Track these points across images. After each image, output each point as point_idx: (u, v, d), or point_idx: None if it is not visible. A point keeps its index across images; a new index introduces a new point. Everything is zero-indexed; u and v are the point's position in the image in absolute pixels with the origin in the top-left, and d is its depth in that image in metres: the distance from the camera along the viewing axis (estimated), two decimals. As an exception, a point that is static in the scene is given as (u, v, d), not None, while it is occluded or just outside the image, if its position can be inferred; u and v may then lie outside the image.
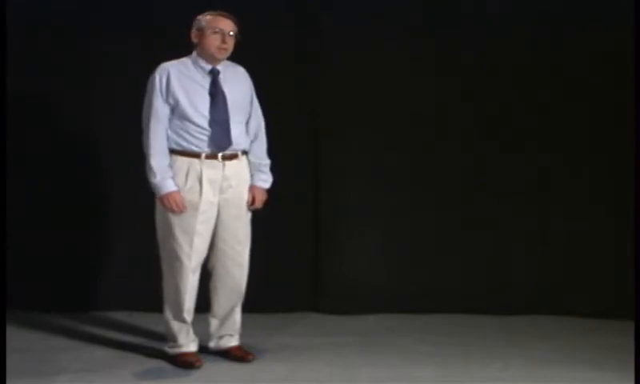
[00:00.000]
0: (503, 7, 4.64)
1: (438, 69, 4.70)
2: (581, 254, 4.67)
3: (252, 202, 3.91)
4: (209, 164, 3.75)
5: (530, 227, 4.72)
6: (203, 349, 3.94)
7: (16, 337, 4.13)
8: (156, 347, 4.03)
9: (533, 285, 4.71)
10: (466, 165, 4.72)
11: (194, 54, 3.80)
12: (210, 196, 3.77)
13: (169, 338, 3.91)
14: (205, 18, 3.76)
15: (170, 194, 3.71)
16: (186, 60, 3.81)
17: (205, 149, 3.75)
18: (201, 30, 3.76)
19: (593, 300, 4.63)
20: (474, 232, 4.74)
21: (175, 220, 3.75)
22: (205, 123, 3.74)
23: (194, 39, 3.78)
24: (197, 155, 3.74)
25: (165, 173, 3.72)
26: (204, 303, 3.93)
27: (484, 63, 4.67)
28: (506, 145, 4.70)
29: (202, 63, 3.79)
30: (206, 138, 3.74)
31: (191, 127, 3.73)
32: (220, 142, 3.75)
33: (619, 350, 4.02)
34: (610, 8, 4.52)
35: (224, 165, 3.78)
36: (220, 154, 3.77)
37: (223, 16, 3.76)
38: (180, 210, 3.72)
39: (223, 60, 3.81)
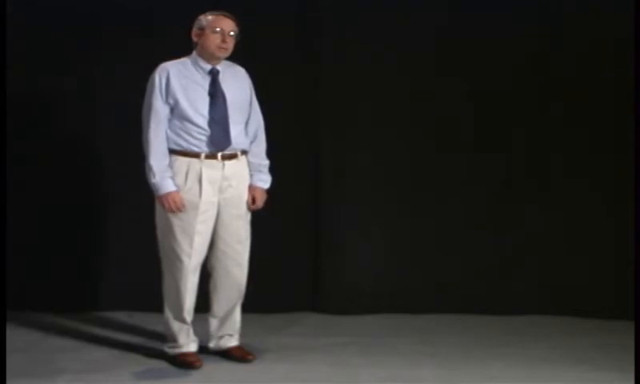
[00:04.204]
0: (503, 7, 4.64)
1: (438, 69, 4.70)
2: (581, 254, 4.67)
3: (253, 202, 3.91)
4: (208, 164, 3.75)
5: (530, 227, 4.71)
6: (203, 349, 3.94)
7: (16, 337, 4.13)
8: (156, 347, 4.03)
9: (533, 285, 4.71)
10: (465, 165, 4.71)
11: (194, 53, 3.81)
12: (209, 196, 3.77)
13: (168, 338, 3.91)
14: (206, 18, 3.77)
15: (169, 193, 3.71)
16: (185, 60, 3.81)
17: (204, 149, 3.75)
18: (201, 30, 3.76)
19: (593, 300, 4.63)
20: (473, 232, 4.73)
21: (175, 220, 3.75)
22: (204, 123, 3.74)
23: (195, 38, 3.79)
24: (196, 155, 3.75)
25: (164, 173, 3.72)
26: (204, 303, 3.94)
27: (484, 63, 4.67)
28: (506, 145, 4.70)
29: (202, 63, 3.79)
30: (205, 138, 3.74)
31: (191, 127, 3.73)
32: (219, 142, 3.75)
33: (619, 349, 4.03)
34: (610, 8, 4.52)
35: (223, 165, 3.78)
36: (219, 154, 3.77)
37: (224, 16, 3.76)
38: (179, 209, 3.72)
39: (223, 60, 3.81)
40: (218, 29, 3.73)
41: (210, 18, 3.77)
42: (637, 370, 3.34)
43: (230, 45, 3.77)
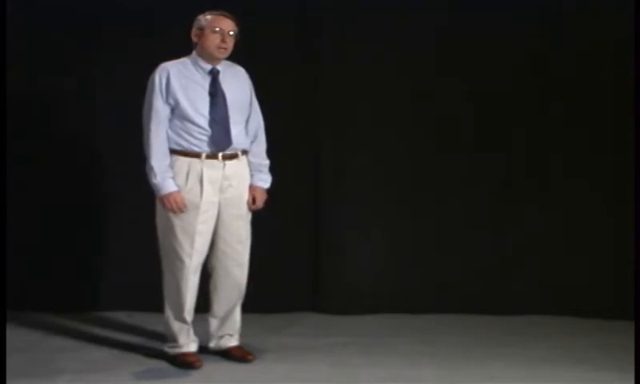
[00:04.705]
0: (503, 7, 4.64)
1: (438, 69, 4.70)
2: (581, 254, 4.67)
3: (253, 202, 3.92)
4: (209, 164, 3.75)
5: (530, 227, 4.71)
6: (203, 349, 3.95)
7: (16, 337, 4.13)
8: (156, 347, 4.03)
9: (533, 285, 4.71)
10: (465, 165, 4.71)
11: (194, 53, 3.81)
12: (210, 196, 3.77)
13: (169, 338, 3.91)
14: (205, 18, 3.77)
15: (170, 194, 3.71)
16: (185, 60, 3.81)
17: (205, 149, 3.75)
18: (201, 30, 3.76)
19: (593, 300, 4.63)
20: (474, 232, 4.73)
21: (176, 220, 3.75)
22: (205, 123, 3.74)
23: (194, 38, 3.79)
24: (197, 155, 3.74)
25: (165, 173, 3.71)
26: (204, 303, 3.94)
27: (484, 63, 4.67)
28: (506, 145, 4.70)
29: (202, 63, 3.79)
30: (206, 138, 3.74)
31: (191, 127, 3.73)
32: (220, 142, 3.75)
33: (619, 349, 4.03)
34: (610, 8, 4.52)
35: (224, 165, 3.78)
36: (220, 154, 3.77)
37: (223, 16, 3.76)
38: (180, 210, 3.72)
39: (223, 60, 3.81)
40: (217, 29, 3.73)
41: (209, 17, 3.76)
42: (637, 369, 3.34)
43: (230, 45, 3.77)
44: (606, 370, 3.80)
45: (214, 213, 3.80)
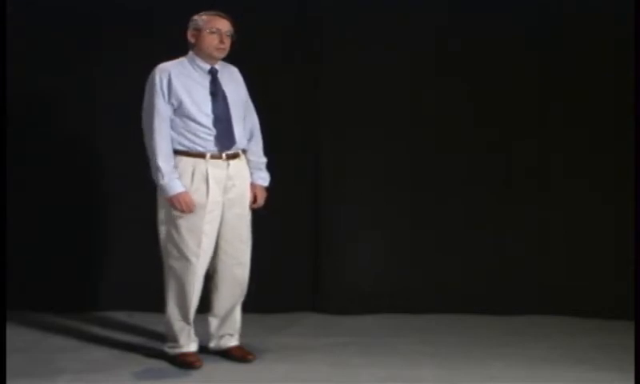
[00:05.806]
0: (503, 7, 4.64)
1: (438, 69, 4.70)
2: (581, 254, 4.67)
3: (254, 201, 3.92)
4: (214, 164, 3.75)
5: (530, 227, 4.71)
6: (203, 349, 3.95)
7: (16, 337, 4.13)
8: (156, 347, 4.04)
9: (533, 285, 4.71)
10: (466, 165, 4.71)
11: (191, 53, 3.80)
12: (216, 196, 3.77)
13: (169, 337, 3.91)
14: (202, 18, 3.77)
15: (179, 194, 3.70)
16: (183, 60, 3.81)
17: (210, 148, 3.74)
18: (198, 30, 3.76)
19: (593, 300, 4.63)
20: (474, 232, 4.73)
21: (181, 220, 3.74)
22: (209, 123, 3.74)
23: (191, 39, 3.79)
24: (202, 155, 3.74)
25: (172, 173, 3.70)
26: (204, 303, 3.93)
27: (484, 63, 4.67)
28: (506, 145, 4.70)
29: (200, 63, 3.79)
30: (210, 138, 3.74)
31: (196, 127, 3.73)
32: (224, 141, 3.76)
33: (619, 349, 4.03)
34: (610, 7, 4.52)
35: (228, 164, 3.79)
36: (224, 154, 3.77)
37: (220, 16, 3.77)
38: (190, 210, 3.71)
39: (220, 60, 3.81)
40: (214, 29, 3.74)
41: (205, 18, 3.76)
42: (637, 369, 3.34)
43: (228, 45, 3.77)
44: (606, 370, 3.80)
45: (218, 213, 3.80)
